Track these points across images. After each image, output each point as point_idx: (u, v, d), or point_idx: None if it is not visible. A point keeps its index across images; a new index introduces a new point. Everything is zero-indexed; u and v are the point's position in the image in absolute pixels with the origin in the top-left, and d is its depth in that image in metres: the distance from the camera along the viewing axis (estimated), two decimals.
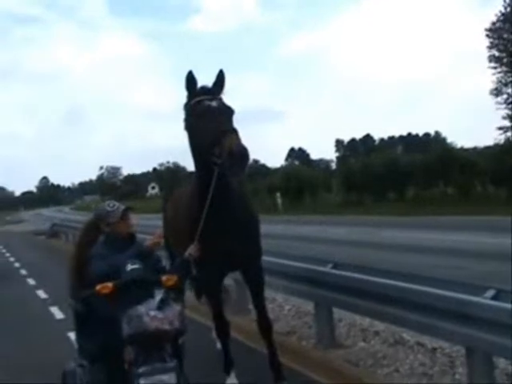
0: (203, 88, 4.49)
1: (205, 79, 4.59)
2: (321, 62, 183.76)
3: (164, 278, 3.70)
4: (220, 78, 4.56)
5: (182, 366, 3.66)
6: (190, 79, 4.47)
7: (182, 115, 4.58)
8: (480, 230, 16.29)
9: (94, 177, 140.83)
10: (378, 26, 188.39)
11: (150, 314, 3.45)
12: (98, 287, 3.52)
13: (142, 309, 3.47)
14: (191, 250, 4.26)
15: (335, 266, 6.26)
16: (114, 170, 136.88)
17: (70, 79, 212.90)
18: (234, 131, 4.19)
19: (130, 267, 3.70)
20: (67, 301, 4.12)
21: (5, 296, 12.06)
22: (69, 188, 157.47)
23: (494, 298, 4.18)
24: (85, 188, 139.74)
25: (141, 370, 3.37)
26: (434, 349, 5.73)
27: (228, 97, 4.57)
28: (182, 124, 4.57)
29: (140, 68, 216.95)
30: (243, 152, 4.02)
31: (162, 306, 3.51)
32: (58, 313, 9.28)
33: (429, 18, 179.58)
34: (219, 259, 4.79)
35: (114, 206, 3.98)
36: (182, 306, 3.73)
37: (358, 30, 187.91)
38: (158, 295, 3.56)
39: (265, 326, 5.20)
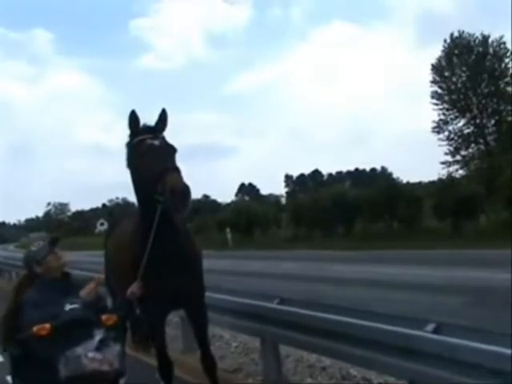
0: (146, 127, 4.55)
1: (152, 116, 4.65)
2: (269, 99, 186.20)
3: (104, 317, 3.61)
4: (163, 117, 4.62)
5: None
6: (133, 118, 4.52)
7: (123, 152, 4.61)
8: (425, 264, 16.66)
9: (40, 213, 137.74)
10: (325, 63, 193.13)
11: (89, 355, 3.35)
12: (35, 328, 3.39)
13: (80, 350, 3.36)
14: (134, 289, 4.16)
15: (281, 302, 6.23)
16: (62, 206, 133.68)
17: (14, 115, 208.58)
18: (176, 169, 4.25)
19: (68, 307, 3.58)
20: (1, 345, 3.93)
21: None
22: (14, 225, 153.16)
23: (434, 331, 4.23)
24: (31, 225, 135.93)
25: None
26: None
27: (176, 133, 4.69)
28: (124, 162, 4.60)
29: (88, 105, 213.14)
30: (185, 190, 4.08)
31: (101, 346, 3.42)
32: None
33: (375, 56, 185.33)
34: (163, 297, 4.71)
35: (38, 244, 3.92)
36: (121, 346, 3.63)
37: (305, 67, 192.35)
38: (98, 335, 3.46)
39: (209, 364, 5.15)
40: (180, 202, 4.08)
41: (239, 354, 7.56)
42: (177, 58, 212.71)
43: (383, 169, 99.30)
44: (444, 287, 11.97)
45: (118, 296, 4.38)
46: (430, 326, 4.26)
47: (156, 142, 4.42)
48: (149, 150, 4.37)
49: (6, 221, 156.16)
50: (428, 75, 48.03)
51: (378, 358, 4.63)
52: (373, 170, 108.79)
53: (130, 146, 4.55)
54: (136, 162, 4.46)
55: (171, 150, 4.48)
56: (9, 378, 6.75)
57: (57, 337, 3.41)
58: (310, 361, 6.80)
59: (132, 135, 4.56)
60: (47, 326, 3.40)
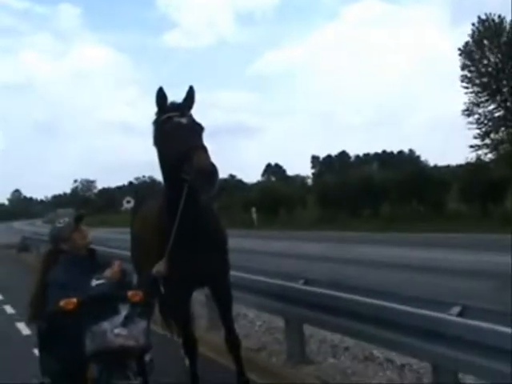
0: (173, 104, 4.50)
1: (178, 94, 4.61)
2: (297, 78, 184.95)
3: (130, 293, 3.64)
4: (190, 95, 4.56)
5: (147, 383, 3.62)
6: (161, 95, 4.47)
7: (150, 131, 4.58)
8: (451, 247, 16.52)
9: (68, 190, 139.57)
10: (355, 42, 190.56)
11: (115, 330, 3.38)
12: (62, 303, 3.43)
13: (106, 325, 3.40)
14: (160, 267, 4.14)
15: (306, 282, 6.28)
16: (89, 183, 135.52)
17: (41, 91, 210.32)
18: (204, 148, 4.20)
19: (94, 282, 3.63)
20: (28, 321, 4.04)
21: None
22: (42, 201, 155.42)
23: (459, 314, 4.22)
24: (58, 201, 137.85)
25: None
26: (403, 365, 5.76)
27: (202, 112, 4.64)
28: (151, 139, 4.57)
29: (114, 81, 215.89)
30: (212, 169, 4.03)
31: (126, 322, 3.45)
32: (24, 329, 9.10)
33: (405, 36, 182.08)
34: (188, 276, 4.74)
35: (63, 220, 3.91)
36: (147, 322, 3.64)
37: (334, 47, 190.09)
38: (123, 311, 3.50)
39: (233, 342, 5.18)
40: (207, 182, 4.04)
41: (263, 333, 7.63)
42: (204, 35, 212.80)
43: (411, 151, 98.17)
44: (470, 271, 11.87)
45: (144, 273, 4.41)
46: (455, 309, 4.25)
47: (183, 120, 4.37)
48: (176, 128, 4.32)
49: (34, 196, 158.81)
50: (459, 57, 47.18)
51: (401, 339, 4.65)
52: (400, 152, 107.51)
53: (157, 123, 4.51)
54: (163, 140, 4.41)
55: (199, 129, 4.42)
56: (36, 351, 6.99)
57: (83, 312, 3.45)
58: (333, 341, 6.84)
59: (159, 112, 4.51)
60: (74, 300, 3.45)
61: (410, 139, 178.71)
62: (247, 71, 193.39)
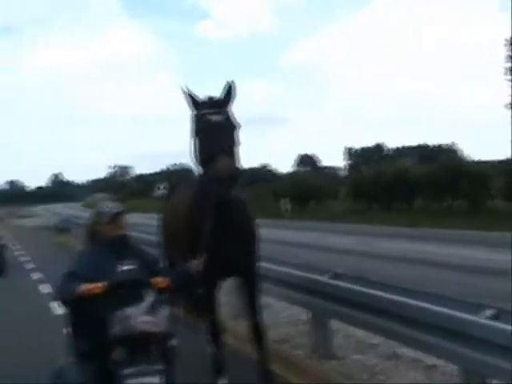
0: (210, 100, 4.57)
1: (209, 84, 4.66)
2: (330, 69, 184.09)
3: (156, 280, 3.69)
4: (228, 90, 4.56)
5: (171, 369, 3.63)
6: (188, 94, 4.57)
7: (186, 120, 4.67)
8: (488, 246, 16.09)
9: (105, 175, 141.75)
10: (392, 34, 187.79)
11: (139, 316, 3.43)
12: (89, 287, 3.52)
13: (130, 311, 3.45)
14: (195, 265, 4.11)
15: (334, 276, 6.17)
16: (125, 169, 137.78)
17: (78, 76, 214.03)
18: (229, 151, 4.34)
19: (122, 268, 3.69)
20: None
21: (7, 289, 12.09)
22: (78, 185, 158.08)
23: (493, 317, 4.06)
24: (96, 185, 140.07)
25: (126, 371, 3.37)
26: (432, 366, 5.60)
27: (235, 102, 4.61)
28: (186, 129, 4.65)
29: (151, 68, 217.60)
30: (228, 176, 4.17)
31: (151, 308, 3.50)
32: (57, 308, 9.24)
33: (444, 26, 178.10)
34: (217, 266, 4.72)
35: (107, 207, 3.97)
36: (172, 309, 3.74)
37: (369, 36, 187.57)
38: (148, 297, 3.55)
39: (259, 332, 5.15)
40: (222, 187, 4.19)
41: (287, 325, 7.56)
42: (237, 26, 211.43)
43: (449, 145, 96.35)
44: (506, 272, 11.53)
45: (178, 265, 4.39)
46: (488, 312, 4.09)
47: (217, 118, 4.42)
48: (207, 127, 4.41)
49: (73, 180, 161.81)
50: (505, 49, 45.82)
51: (430, 339, 4.52)
52: (438, 146, 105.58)
53: (194, 118, 4.58)
54: (196, 136, 4.51)
55: (231, 127, 4.48)
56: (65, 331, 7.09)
57: (109, 296, 3.51)
58: (358, 337, 6.72)
59: (197, 107, 4.57)
60: (100, 285, 3.52)
61: (449, 133, 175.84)
62: (280, 61, 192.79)
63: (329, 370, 5.77)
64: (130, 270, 3.70)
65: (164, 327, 3.50)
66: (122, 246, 3.89)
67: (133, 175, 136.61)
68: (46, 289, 11.52)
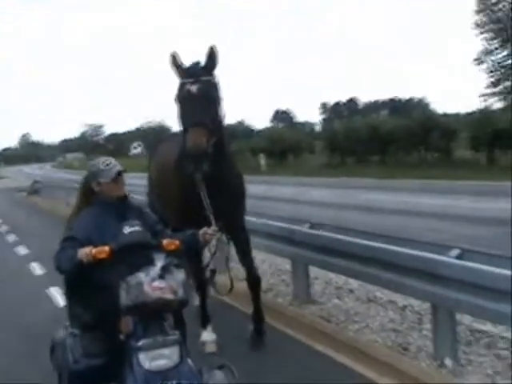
0: (191, 68, 4.50)
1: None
2: (303, 22, 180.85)
3: (165, 241, 3.37)
4: (211, 57, 4.47)
5: (185, 337, 3.48)
6: (173, 63, 4.49)
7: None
8: (456, 194, 16.65)
9: (76, 134, 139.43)
10: None
11: (152, 282, 3.08)
12: (94, 251, 3.14)
13: (142, 276, 3.09)
14: (209, 231, 3.72)
15: (312, 226, 6.46)
16: (97, 128, 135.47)
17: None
18: (202, 123, 4.29)
19: (128, 230, 3.32)
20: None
21: None
22: (48, 146, 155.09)
23: (458, 257, 4.39)
24: (67, 146, 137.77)
25: (140, 343, 3.03)
26: (405, 306, 5.98)
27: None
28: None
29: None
30: (198, 151, 4.20)
31: (164, 273, 3.14)
32: (37, 268, 9.43)
33: None
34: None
35: (108, 164, 3.53)
36: (185, 273, 3.30)
37: None
38: (159, 261, 3.18)
39: (254, 281, 5.40)
40: (191, 162, 4.25)
41: (270, 275, 7.86)
42: None
43: (421, 99, 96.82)
44: (474, 218, 12.05)
45: (187, 229, 3.82)
46: (454, 252, 4.41)
47: (194, 89, 4.38)
48: (184, 98, 4.40)
49: (43, 140, 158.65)
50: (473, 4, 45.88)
51: (404, 281, 4.84)
52: (410, 100, 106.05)
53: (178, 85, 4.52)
54: (177, 105, 4.50)
55: (209, 100, 4.41)
56: (50, 290, 7.21)
57: (116, 261, 3.19)
58: (338, 283, 7.07)
59: (180, 74, 4.50)
60: (106, 248, 3.18)
61: (421, 87, 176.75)
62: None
63: (309, 314, 6.09)
64: (137, 232, 3.33)
65: (180, 293, 3.14)
66: (125, 206, 3.58)
67: (104, 134, 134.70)
68: (24, 249, 11.64)
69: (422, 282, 4.58)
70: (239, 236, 5.36)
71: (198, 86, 4.37)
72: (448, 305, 4.44)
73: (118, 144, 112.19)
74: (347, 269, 5.70)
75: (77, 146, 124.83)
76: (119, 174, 3.52)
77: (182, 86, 4.43)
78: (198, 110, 4.32)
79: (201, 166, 4.24)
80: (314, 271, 6.76)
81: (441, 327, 4.54)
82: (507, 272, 3.88)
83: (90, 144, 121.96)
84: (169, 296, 3.09)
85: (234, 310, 6.43)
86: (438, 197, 16.44)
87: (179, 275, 3.20)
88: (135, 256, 3.20)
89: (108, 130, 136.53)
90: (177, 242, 3.40)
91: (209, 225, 3.95)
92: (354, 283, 6.82)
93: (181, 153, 4.46)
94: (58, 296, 7.13)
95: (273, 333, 5.55)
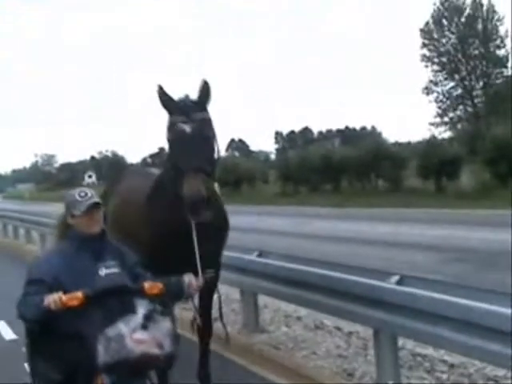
0: (182, 103, 3.95)
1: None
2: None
3: (147, 285, 2.97)
4: (204, 91, 3.95)
5: None
6: (163, 94, 3.93)
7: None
8: (405, 222, 17.10)
9: (27, 164, 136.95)
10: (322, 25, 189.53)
11: (134, 334, 2.67)
12: (64, 298, 2.74)
13: (122, 327, 2.69)
14: (195, 282, 3.26)
15: (260, 255, 6.52)
16: (49, 158, 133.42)
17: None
18: (199, 170, 3.73)
19: (104, 271, 2.97)
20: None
21: None
22: (3, 175, 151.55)
23: (398, 283, 4.53)
24: (18, 176, 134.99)
25: None
26: (350, 332, 6.09)
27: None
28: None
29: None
30: (197, 199, 3.63)
31: (147, 322, 2.73)
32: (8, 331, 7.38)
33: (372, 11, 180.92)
34: (177, 263, 4.00)
35: (83, 196, 3.10)
36: (171, 321, 2.89)
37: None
38: (141, 308, 2.78)
39: (206, 331, 4.95)
40: (192, 213, 3.70)
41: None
42: None
43: (373, 128, 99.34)
44: (421, 245, 12.39)
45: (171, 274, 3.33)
46: (394, 278, 4.55)
47: (187, 129, 3.82)
48: (178, 139, 3.84)
49: None
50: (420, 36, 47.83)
51: (348, 307, 4.93)
52: (363, 128, 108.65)
53: (168, 123, 3.96)
54: (168, 145, 3.98)
55: (205, 137, 3.87)
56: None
57: (91, 309, 2.80)
58: (286, 311, 7.14)
59: (169, 111, 3.93)
60: (79, 294, 2.78)
61: (373, 116, 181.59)
62: None
63: (258, 342, 6.12)
64: (115, 274, 2.98)
65: (166, 347, 2.72)
66: (101, 245, 3.13)
67: (56, 164, 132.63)
68: None
69: (365, 307, 4.69)
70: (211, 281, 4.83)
71: (192, 126, 3.85)
72: (389, 329, 4.56)
73: (70, 173, 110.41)
74: (295, 296, 5.74)
75: (29, 176, 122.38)
76: (94, 206, 3.08)
77: (172, 126, 3.89)
78: (197, 152, 3.81)
79: (200, 212, 3.70)
80: (263, 299, 6.81)
81: (383, 352, 4.63)
82: (444, 296, 4.03)
83: (41, 174, 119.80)
84: (154, 351, 2.69)
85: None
86: (388, 224, 16.84)
87: (165, 324, 2.78)
88: (112, 302, 2.84)
89: (60, 159, 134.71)
90: (160, 286, 3.01)
91: (184, 270, 3.43)
92: (302, 311, 6.90)
93: (176, 196, 3.82)
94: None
95: (219, 361, 5.54)
